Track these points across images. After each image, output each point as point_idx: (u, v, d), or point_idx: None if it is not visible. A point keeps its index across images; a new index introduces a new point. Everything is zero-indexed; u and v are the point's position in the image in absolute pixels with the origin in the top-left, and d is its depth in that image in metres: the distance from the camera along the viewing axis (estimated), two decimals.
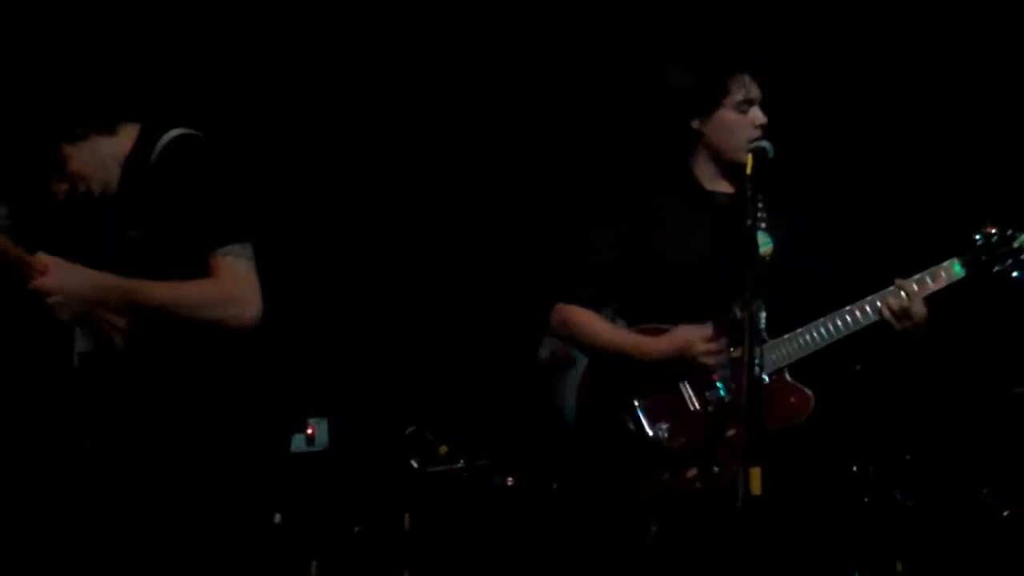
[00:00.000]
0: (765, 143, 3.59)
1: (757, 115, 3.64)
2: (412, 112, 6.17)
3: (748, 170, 3.50)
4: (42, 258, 3.08)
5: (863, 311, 3.56)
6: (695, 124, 3.69)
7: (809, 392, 3.58)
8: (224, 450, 3.19)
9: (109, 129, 3.27)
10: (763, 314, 3.55)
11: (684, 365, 3.60)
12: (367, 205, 6.34)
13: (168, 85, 4.99)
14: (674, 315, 3.66)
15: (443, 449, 5.61)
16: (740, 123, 3.63)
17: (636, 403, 3.67)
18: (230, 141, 3.30)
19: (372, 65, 6.07)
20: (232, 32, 5.70)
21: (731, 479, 3.29)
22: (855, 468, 4.74)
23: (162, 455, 3.16)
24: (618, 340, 3.71)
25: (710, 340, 3.58)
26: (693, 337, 3.58)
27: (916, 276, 3.55)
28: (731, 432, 3.55)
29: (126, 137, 3.29)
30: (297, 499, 5.23)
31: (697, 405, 3.65)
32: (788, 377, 3.60)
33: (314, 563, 5.34)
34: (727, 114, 3.64)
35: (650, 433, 3.64)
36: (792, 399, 3.58)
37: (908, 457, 4.93)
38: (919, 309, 3.52)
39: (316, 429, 5.58)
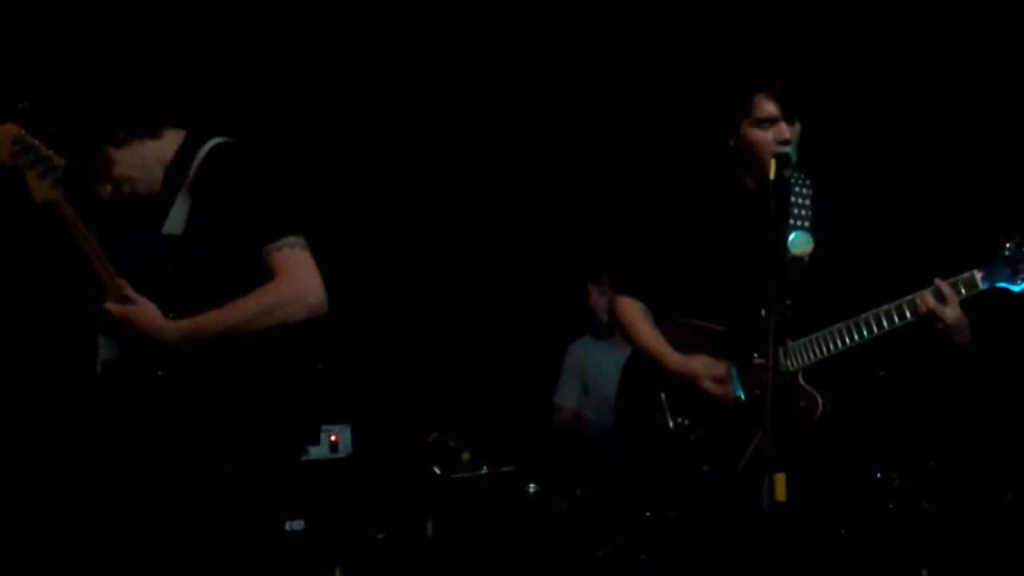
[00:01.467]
0: (787, 149, 3.62)
1: (780, 131, 3.69)
2: (444, 123, 6.21)
3: (771, 175, 3.52)
4: (122, 283, 3.14)
5: (900, 312, 3.54)
6: (732, 142, 3.74)
7: (819, 397, 3.60)
8: (241, 459, 3.19)
9: (153, 133, 3.31)
10: (789, 315, 3.57)
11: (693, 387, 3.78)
12: (390, 214, 6.38)
13: (196, 90, 5.02)
14: (711, 312, 3.79)
15: (466, 456, 5.63)
16: (763, 140, 3.69)
17: (663, 396, 3.84)
18: (263, 146, 3.33)
19: (389, 73, 6.10)
20: (239, 39, 5.73)
21: (744, 477, 3.48)
22: (879, 475, 4.73)
23: (180, 469, 3.18)
24: (648, 342, 3.91)
25: (718, 380, 3.74)
26: (702, 373, 3.75)
27: (950, 280, 3.52)
28: (746, 431, 3.60)
29: (170, 141, 3.33)
30: (321, 506, 5.25)
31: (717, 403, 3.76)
32: (801, 380, 3.63)
33: (338, 569, 5.35)
34: (750, 132, 3.72)
35: (671, 424, 3.80)
36: (801, 402, 3.62)
37: (932, 463, 4.92)
38: (952, 313, 3.48)
39: (340, 436, 5.59)
